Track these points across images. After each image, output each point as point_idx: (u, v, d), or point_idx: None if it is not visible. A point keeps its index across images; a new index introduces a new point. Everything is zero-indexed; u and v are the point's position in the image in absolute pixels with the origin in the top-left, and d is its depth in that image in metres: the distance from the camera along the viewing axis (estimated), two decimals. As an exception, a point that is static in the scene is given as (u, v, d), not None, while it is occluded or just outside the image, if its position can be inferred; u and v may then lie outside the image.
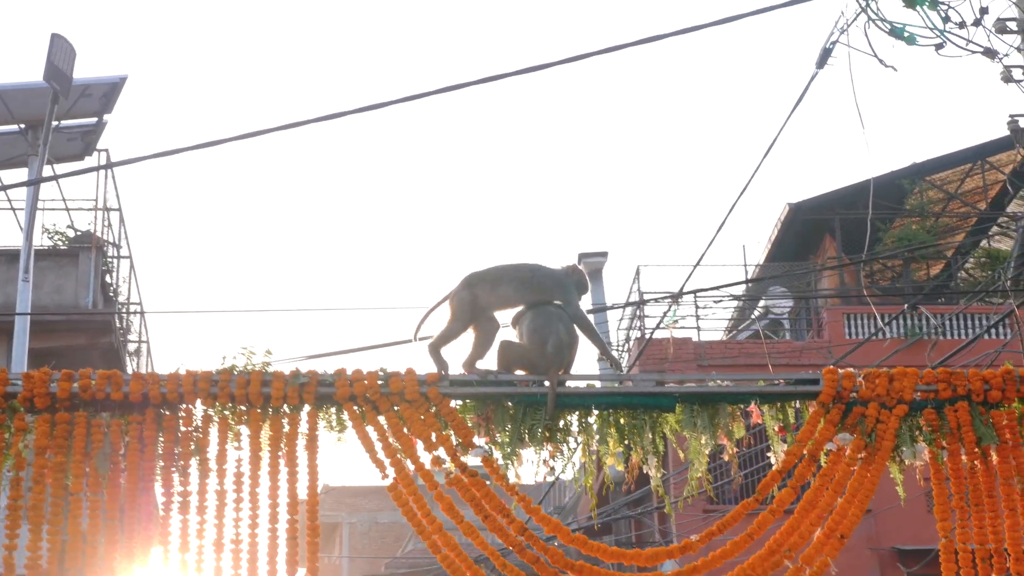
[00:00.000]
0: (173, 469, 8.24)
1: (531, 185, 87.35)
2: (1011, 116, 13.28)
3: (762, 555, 8.17)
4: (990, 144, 28.56)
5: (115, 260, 20.03)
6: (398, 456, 8.28)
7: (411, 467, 8.28)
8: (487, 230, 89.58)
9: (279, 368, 8.48)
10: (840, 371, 8.40)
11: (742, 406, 8.53)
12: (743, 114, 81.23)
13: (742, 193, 12.81)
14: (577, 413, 8.52)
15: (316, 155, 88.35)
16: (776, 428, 8.55)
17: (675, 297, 13.81)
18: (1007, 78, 11.89)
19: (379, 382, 8.35)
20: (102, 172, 19.31)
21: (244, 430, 8.35)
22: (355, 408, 8.34)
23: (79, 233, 19.43)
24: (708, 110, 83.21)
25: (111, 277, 19.86)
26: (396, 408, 8.34)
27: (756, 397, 8.52)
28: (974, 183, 29.69)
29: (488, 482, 8.27)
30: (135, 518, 8.13)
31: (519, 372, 8.59)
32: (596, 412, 8.51)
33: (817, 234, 29.58)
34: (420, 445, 8.31)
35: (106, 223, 19.43)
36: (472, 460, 8.36)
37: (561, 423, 8.47)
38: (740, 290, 29.73)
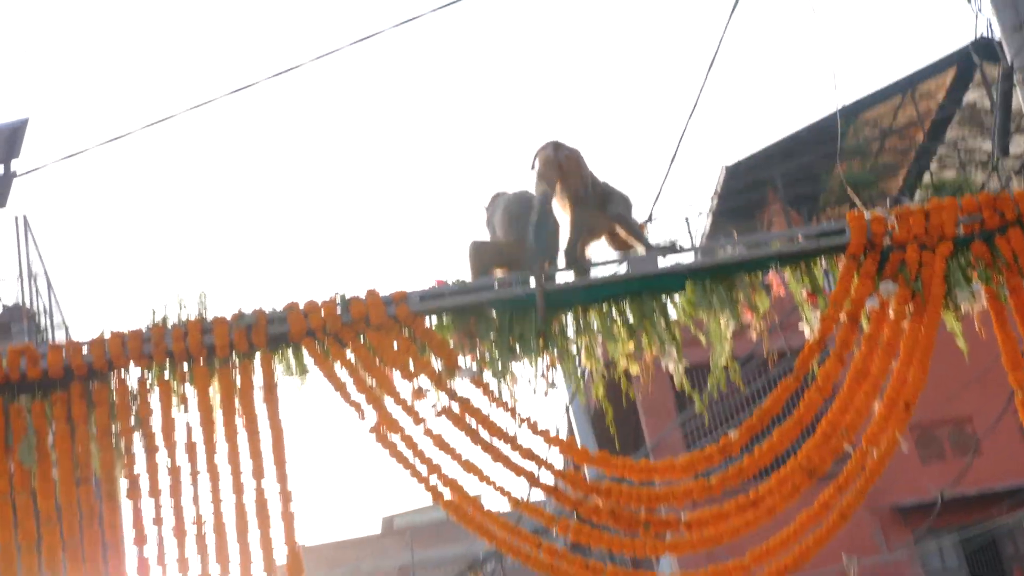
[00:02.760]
0: (113, 449, 6.98)
1: (469, 149, 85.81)
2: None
3: (816, 442, 6.95)
4: (917, 74, 27.88)
5: (48, 330, 19.15)
6: (374, 392, 7.05)
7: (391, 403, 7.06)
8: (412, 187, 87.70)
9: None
10: (867, 213, 7.22)
11: (760, 273, 7.34)
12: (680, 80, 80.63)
13: (675, 156, 11.99)
14: (572, 312, 7.30)
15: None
16: (804, 294, 7.36)
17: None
18: None
19: (338, 311, 7.12)
20: (21, 237, 18.58)
21: (190, 390, 7.09)
22: (316, 345, 7.10)
23: (6, 307, 18.58)
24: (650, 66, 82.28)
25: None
26: (363, 338, 7.10)
27: (775, 261, 7.35)
28: (907, 116, 28.87)
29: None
30: (74, 513, 6.85)
31: (498, 274, 7.36)
32: (594, 308, 7.29)
33: (759, 192, 28.63)
34: (397, 376, 7.08)
35: (33, 290, 18.65)
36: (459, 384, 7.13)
37: (556, 327, 7.24)
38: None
